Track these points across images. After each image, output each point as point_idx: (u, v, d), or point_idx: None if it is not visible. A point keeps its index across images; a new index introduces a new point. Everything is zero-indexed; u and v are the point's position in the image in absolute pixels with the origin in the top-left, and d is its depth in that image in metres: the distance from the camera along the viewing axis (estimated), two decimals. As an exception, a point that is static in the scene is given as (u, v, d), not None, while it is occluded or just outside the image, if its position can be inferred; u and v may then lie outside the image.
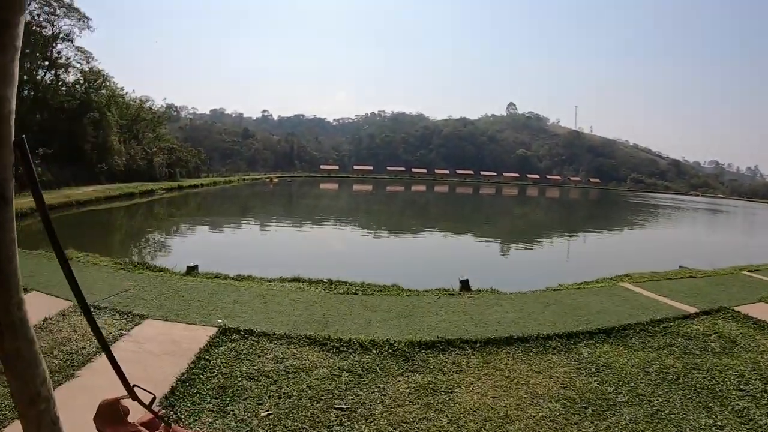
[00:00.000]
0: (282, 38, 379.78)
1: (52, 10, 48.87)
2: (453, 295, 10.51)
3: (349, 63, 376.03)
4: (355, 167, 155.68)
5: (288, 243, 25.50)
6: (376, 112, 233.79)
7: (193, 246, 23.24)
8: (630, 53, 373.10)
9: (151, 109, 70.97)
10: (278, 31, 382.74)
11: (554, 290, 11.24)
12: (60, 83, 52.82)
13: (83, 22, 51.20)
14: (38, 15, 48.16)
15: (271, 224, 33.15)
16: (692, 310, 9.62)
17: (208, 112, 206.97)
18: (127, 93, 65.94)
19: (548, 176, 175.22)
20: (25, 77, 48.36)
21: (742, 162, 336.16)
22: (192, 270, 11.71)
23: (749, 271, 14.36)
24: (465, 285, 11.27)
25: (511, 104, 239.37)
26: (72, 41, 51.55)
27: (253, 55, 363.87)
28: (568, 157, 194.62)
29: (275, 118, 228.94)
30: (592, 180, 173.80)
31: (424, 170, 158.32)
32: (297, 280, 11.30)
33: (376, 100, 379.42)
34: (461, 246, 28.07)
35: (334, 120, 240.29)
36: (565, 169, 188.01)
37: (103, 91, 56.29)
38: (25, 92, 49.48)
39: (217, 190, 64.99)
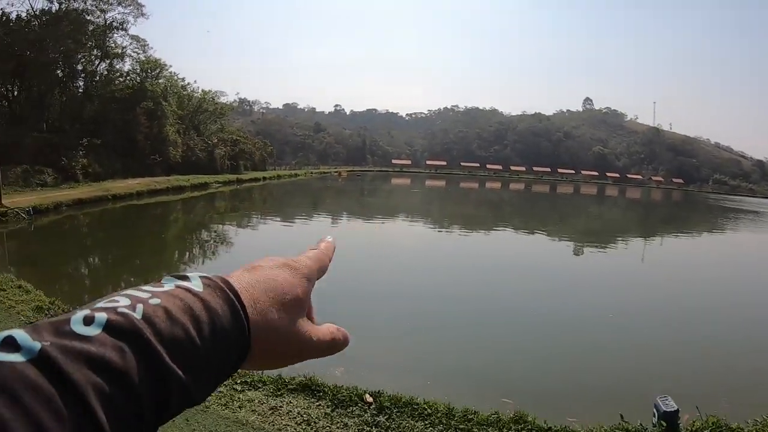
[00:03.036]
0: (355, 33, 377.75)
1: None
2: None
3: (422, 57, 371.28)
4: (428, 162, 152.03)
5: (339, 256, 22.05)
6: (449, 107, 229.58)
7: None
8: (710, 47, 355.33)
9: (213, 100, 69.03)
10: (352, 25, 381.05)
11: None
12: (116, 73, 51.71)
13: (137, 9, 49.68)
14: (91, 4, 46.78)
15: (323, 222, 30.85)
16: None
17: (281, 107, 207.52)
18: (189, 84, 64.39)
19: (628, 175, 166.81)
20: (79, 67, 47.06)
21: None
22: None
23: None
24: (670, 422, 6.26)
25: (587, 99, 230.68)
26: (126, 30, 50.16)
27: (326, 49, 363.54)
28: (646, 155, 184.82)
29: (347, 112, 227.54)
30: (674, 180, 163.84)
31: (500, 166, 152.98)
32: (307, 388, 6.83)
33: (448, 95, 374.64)
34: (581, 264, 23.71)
35: (407, 114, 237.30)
36: (643, 168, 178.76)
37: (161, 81, 54.64)
38: (80, 83, 48.42)
39: (280, 184, 63.33)
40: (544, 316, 12.91)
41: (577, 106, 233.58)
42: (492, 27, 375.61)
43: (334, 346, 0.63)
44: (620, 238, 32.40)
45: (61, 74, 45.82)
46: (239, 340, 0.50)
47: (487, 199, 64.62)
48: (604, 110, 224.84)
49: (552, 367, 9.83)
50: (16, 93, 43.63)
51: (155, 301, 0.42)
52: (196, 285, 0.49)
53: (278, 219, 31.61)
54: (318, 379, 6.78)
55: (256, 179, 61.70)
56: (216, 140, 62.78)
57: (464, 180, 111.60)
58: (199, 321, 0.45)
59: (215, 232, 26.23)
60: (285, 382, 6.70)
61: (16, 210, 23.31)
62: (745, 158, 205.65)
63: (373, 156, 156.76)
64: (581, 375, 9.58)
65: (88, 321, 0.36)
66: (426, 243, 25.16)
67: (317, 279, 0.63)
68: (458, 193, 71.60)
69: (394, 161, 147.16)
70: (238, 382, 6.53)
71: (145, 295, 0.43)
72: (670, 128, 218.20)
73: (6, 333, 0.33)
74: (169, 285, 0.47)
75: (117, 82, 50.89)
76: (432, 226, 32.69)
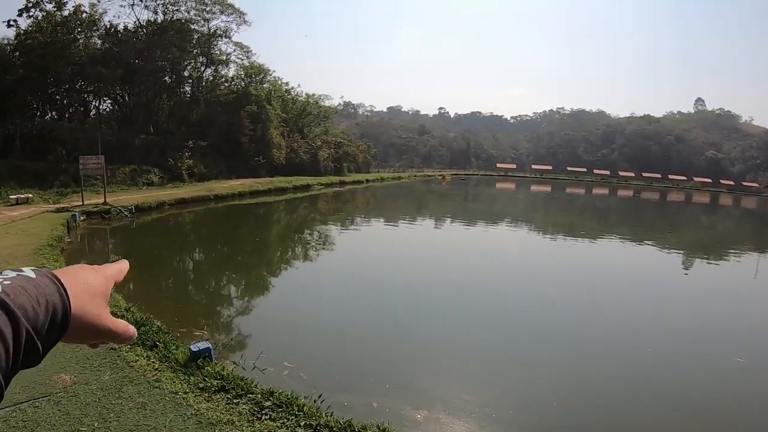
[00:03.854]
0: (458, 34, 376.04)
1: (207, 8, 48.60)
2: None
3: (527, 58, 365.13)
4: (533, 166, 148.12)
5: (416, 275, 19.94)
6: (555, 109, 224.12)
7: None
8: None
9: (317, 103, 69.94)
10: (454, 26, 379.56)
11: None
12: (221, 78, 53.19)
13: (239, 17, 50.74)
14: (195, 14, 48.30)
15: (426, 224, 30.51)
16: None
17: (385, 110, 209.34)
18: (293, 88, 65.66)
19: (743, 183, 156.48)
20: (186, 73, 48.49)
21: None
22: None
23: None
24: None
25: (698, 100, 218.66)
26: (230, 37, 51.54)
27: (429, 52, 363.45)
28: (763, 160, 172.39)
29: (451, 115, 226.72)
30: None
31: (607, 172, 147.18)
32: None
33: (553, 97, 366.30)
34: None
35: (512, 117, 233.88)
36: (759, 174, 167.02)
37: (265, 85, 55.72)
38: (186, 88, 49.91)
39: (383, 187, 62.76)
40: (658, 361, 10.62)
41: (688, 107, 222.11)
42: (597, 24, 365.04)
43: (125, 336, 0.77)
44: (739, 255, 29.70)
45: (168, 80, 47.28)
46: (63, 318, 0.61)
47: (594, 206, 62.00)
48: (717, 111, 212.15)
49: None
50: (126, 98, 45.26)
51: (7, 282, 0.52)
52: (30, 274, 0.58)
53: (381, 221, 31.32)
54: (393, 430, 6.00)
55: (359, 181, 61.52)
56: (320, 142, 63.17)
57: (570, 185, 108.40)
58: (38, 298, 0.56)
59: (317, 231, 25.88)
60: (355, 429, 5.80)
61: (120, 208, 23.72)
62: None
63: (477, 159, 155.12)
64: None
65: None
66: (526, 252, 24.36)
67: (115, 284, 0.79)
68: (564, 199, 68.89)
69: (498, 165, 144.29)
70: (302, 424, 5.75)
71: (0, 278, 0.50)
72: None
73: None
74: (11, 274, 0.55)
75: (222, 87, 52.29)
76: (536, 232, 31.95)
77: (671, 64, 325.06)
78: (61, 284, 0.63)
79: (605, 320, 12.97)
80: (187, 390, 6.20)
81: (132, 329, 0.78)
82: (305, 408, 6.07)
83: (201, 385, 6.35)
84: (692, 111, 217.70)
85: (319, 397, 6.60)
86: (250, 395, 6.20)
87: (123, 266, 0.88)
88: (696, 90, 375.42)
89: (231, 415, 5.75)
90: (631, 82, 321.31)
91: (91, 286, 0.71)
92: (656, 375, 9.57)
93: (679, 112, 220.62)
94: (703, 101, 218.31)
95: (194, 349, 6.98)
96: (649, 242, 30.34)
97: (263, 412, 5.88)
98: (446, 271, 17.14)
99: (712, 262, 26.12)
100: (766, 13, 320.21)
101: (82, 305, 0.67)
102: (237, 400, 6.09)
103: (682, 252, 27.86)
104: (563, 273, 18.82)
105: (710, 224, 50.59)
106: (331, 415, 6.09)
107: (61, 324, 0.61)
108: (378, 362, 9.00)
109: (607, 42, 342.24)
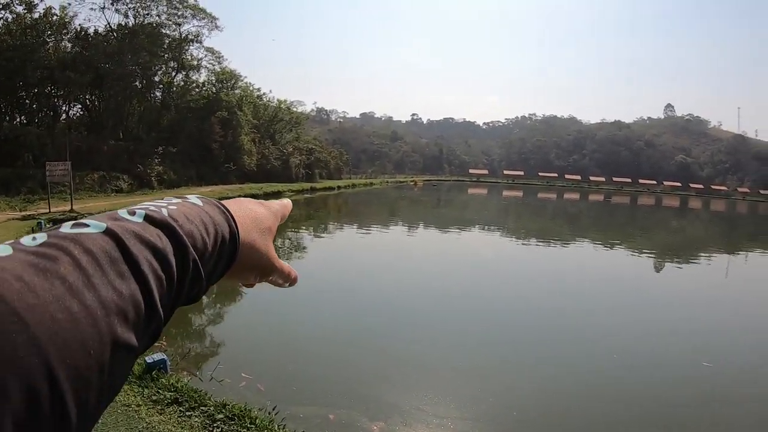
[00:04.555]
0: (432, 42, 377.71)
1: (179, 12, 48.43)
2: None
3: (499, 66, 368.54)
4: (505, 172, 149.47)
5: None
6: (527, 116, 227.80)
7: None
8: None
9: (289, 109, 70.13)
10: (428, 34, 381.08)
11: None
12: (192, 84, 52.96)
13: (211, 22, 50.54)
14: (166, 18, 48.08)
15: (398, 230, 30.30)
16: None
17: (357, 116, 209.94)
18: (264, 94, 65.66)
19: (712, 186, 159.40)
20: (156, 78, 48.13)
21: None
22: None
23: None
24: None
25: (668, 106, 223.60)
26: (201, 42, 51.25)
27: (403, 59, 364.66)
28: (732, 164, 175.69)
29: (424, 121, 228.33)
30: (762, 192, 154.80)
31: (578, 177, 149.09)
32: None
33: (526, 104, 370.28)
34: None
35: (484, 123, 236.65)
36: (727, 178, 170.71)
37: (236, 91, 55.82)
38: (157, 93, 49.56)
39: (355, 193, 62.98)
40: (630, 359, 10.95)
41: (657, 113, 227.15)
42: (569, 33, 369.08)
43: (288, 278, 0.74)
44: (710, 257, 30.58)
45: (139, 85, 46.90)
46: (230, 249, 0.57)
47: (566, 211, 62.85)
48: (686, 117, 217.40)
49: None
50: (96, 103, 44.83)
51: (173, 207, 0.48)
52: (197, 201, 0.55)
53: (351, 227, 31.30)
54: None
55: (330, 188, 61.64)
56: (291, 149, 63.14)
57: (542, 190, 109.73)
58: (206, 225, 0.52)
59: (286, 239, 25.86)
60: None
61: (85, 215, 23.34)
62: None
63: (449, 165, 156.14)
64: None
65: (131, 213, 0.44)
66: (496, 258, 24.37)
67: (280, 222, 0.75)
68: (536, 204, 69.97)
69: (471, 171, 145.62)
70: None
71: (163, 203, 0.49)
72: (756, 135, 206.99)
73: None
74: (175, 200, 0.52)
75: (193, 92, 52.15)
76: (508, 237, 32.19)
77: (642, 71, 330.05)
78: (231, 214, 0.60)
79: (572, 326, 13.10)
80: (140, 403, 6.13)
81: (294, 272, 0.75)
82: (258, 421, 6.05)
83: (154, 398, 6.28)
84: (662, 117, 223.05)
85: (274, 409, 6.60)
86: (203, 408, 6.15)
87: (287, 203, 0.84)
88: (666, 96, 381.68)
89: (183, 428, 5.73)
90: (603, 88, 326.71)
91: (260, 219, 0.68)
92: (622, 382, 9.65)
93: (649, 117, 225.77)
94: (673, 107, 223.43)
95: (149, 361, 6.94)
96: (620, 246, 31.06)
97: (215, 425, 5.87)
98: (412, 279, 17.25)
99: (682, 264, 26.69)
100: (734, 21, 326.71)
101: (252, 238, 0.64)
102: (190, 413, 6.04)
103: (653, 255, 28.43)
104: (532, 279, 18.96)
105: (680, 227, 51.90)
106: (284, 428, 6.15)
107: (230, 256, 0.59)
108: (338, 373, 8.86)
109: (580, 49, 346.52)
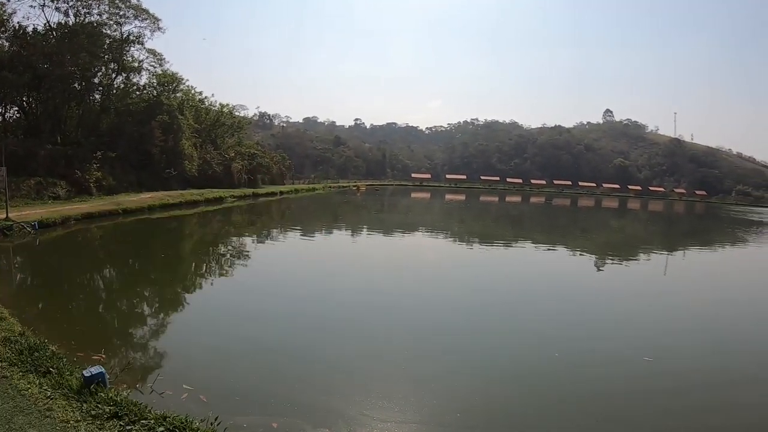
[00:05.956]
0: (375, 47, 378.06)
1: (121, 12, 47.18)
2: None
3: (442, 72, 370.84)
4: (448, 176, 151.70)
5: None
6: (469, 121, 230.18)
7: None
8: (731, 56, 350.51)
9: (231, 113, 69.30)
10: (371, 40, 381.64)
11: None
12: (133, 86, 51.82)
13: (153, 23, 49.26)
14: (108, 18, 46.81)
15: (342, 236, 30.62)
16: None
17: (301, 121, 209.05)
18: (206, 97, 64.90)
19: (650, 188, 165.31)
20: (96, 80, 47.13)
21: None
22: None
23: None
24: None
25: (607, 111, 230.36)
26: (143, 44, 49.92)
27: (347, 64, 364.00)
28: (668, 167, 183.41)
29: (367, 126, 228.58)
30: (697, 192, 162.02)
31: (520, 180, 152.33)
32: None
33: (469, 109, 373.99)
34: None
35: (427, 128, 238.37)
36: (665, 180, 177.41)
37: (178, 95, 55.01)
38: (96, 96, 48.45)
39: (297, 199, 62.60)
40: (574, 357, 11.28)
41: (597, 118, 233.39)
42: (511, 40, 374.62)
43: None
44: (648, 255, 31.82)
45: (78, 87, 45.58)
46: None
47: (508, 213, 64.18)
48: (624, 122, 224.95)
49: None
50: (33, 105, 43.39)
51: None
52: None
53: (294, 233, 30.93)
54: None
55: (273, 193, 61.26)
56: (233, 154, 62.64)
57: (484, 194, 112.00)
58: None
59: (228, 246, 25.63)
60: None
61: (22, 224, 22.84)
62: None
63: (392, 170, 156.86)
64: None
65: None
66: (444, 259, 24.74)
67: None
68: (478, 207, 71.28)
69: (413, 175, 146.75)
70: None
71: None
72: (692, 139, 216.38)
73: None
74: None
75: (133, 95, 51.09)
76: (452, 240, 32.60)
77: (581, 77, 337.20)
78: None
79: (516, 326, 13.41)
80: (79, 418, 5.98)
81: None
82: (199, 432, 6.02)
83: (94, 413, 6.12)
84: (601, 122, 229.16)
85: (216, 420, 6.48)
86: (143, 421, 6.04)
87: None
88: (606, 102, 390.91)
89: (123, 442, 5.66)
90: (543, 94, 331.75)
91: None
92: (563, 381, 9.85)
93: (588, 122, 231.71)
94: (612, 113, 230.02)
95: (87, 375, 6.77)
96: (562, 246, 32.04)
97: (156, 438, 5.80)
98: (356, 285, 17.26)
99: (622, 262, 27.72)
100: (670, 31, 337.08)
101: None
102: (130, 427, 5.91)
103: (593, 254, 29.36)
104: (475, 283, 18.97)
105: (620, 227, 54.00)
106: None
107: None
108: (281, 382, 8.77)
109: (522, 57, 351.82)
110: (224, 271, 19.36)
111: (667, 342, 12.77)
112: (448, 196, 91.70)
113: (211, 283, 17.34)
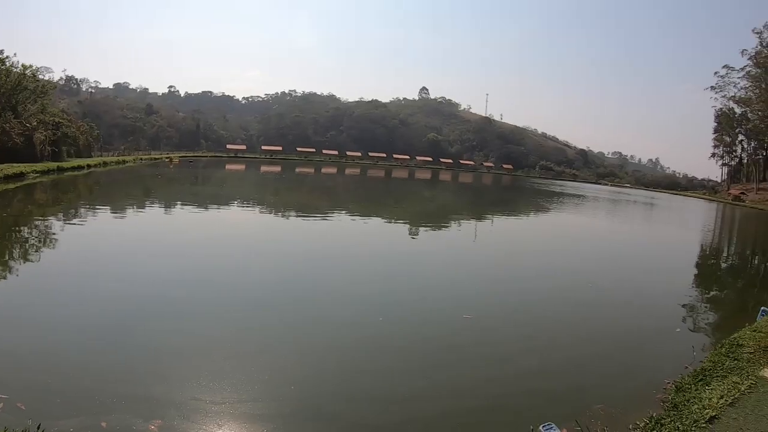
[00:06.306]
0: (192, 10, 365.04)
1: None
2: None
3: (262, 41, 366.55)
4: (264, 147, 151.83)
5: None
6: (287, 92, 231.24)
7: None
8: (539, 43, 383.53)
9: (35, 76, 63.74)
10: (188, 3, 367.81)
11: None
12: None
13: None
14: None
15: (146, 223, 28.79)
16: None
17: (111, 86, 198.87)
18: (7, 57, 59.17)
19: (461, 161, 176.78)
20: None
21: (644, 154, 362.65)
22: None
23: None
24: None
25: (423, 89, 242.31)
26: None
27: (163, 27, 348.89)
28: (478, 142, 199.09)
29: (182, 94, 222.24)
30: (504, 166, 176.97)
31: (336, 152, 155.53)
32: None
33: (288, 80, 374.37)
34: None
35: (243, 98, 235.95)
36: (474, 154, 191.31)
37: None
38: None
39: (106, 172, 60.12)
40: (390, 316, 12.30)
41: (413, 95, 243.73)
42: (332, 12, 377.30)
43: None
44: (460, 223, 35.04)
45: None
46: None
47: (324, 185, 66.43)
48: (439, 99, 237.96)
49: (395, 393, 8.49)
50: None
51: None
52: None
53: (104, 211, 28.73)
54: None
55: (80, 167, 58.65)
56: (36, 123, 58.08)
57: (300, 165, 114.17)
58: None
59: (35, 228, 22.73)
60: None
61: None
62: (569, 147, 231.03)
63: (207, 141, 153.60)
64: (437, 402, 8.30)
65: None
66: (261, 232, 24.91)
67: None
68: (294, 179, 72.60)
69: (228, 146, 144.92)
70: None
71: None
72: (501, 118, 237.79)
73: None
74: None
75: None
76: (268, 213, 33.00)
77: (403, 58, 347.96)
78: None
79: (337, 295, 13.79)
80: None
81: None
82: (20, 443, 5.60)
83: None
84: (417, 98, 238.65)
85: (39, 428, 6.07)
86: None
87: None
88: (423, 80, 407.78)
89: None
90: (364, 70, 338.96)
91: None
92: (388, 341, 10.57)
93: (405, 98, 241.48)
94: (428, 90, 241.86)
95: None
96: (378, 216, 33.93)
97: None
98: (171, 264, 16.38)
99: (436, 229, 30.20)
100: (484, 17, 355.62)
101: None
102: None
103: (407, 223, 31.81)
104: (297, 252, 19.35)
105: (432, 197, 58.37)
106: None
107: None
108: (105, 378, 8.04)
109: (343, 31, 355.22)
110: (24, 259, 16.63)
111: (483, 301, 14.44)
112: (263, 168, 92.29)
113: (16, 273, 14.80)
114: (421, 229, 29.78)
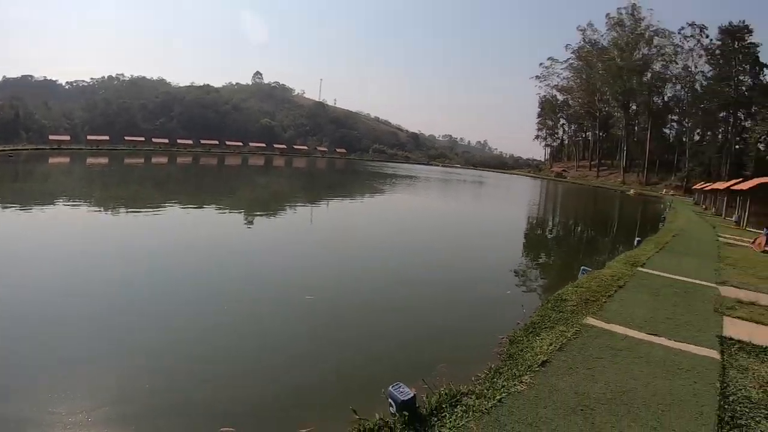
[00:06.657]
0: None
1: None
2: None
3: (90, 18, 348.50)
4: (89, 137, 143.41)
5: None
6: (114, 76, 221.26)
7: None
8: (374, 33, 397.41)
9: None
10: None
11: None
12: None
13: None
14: None
15: None
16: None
17: None
18: None
19: (295, 146, 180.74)
20: None
21: (473, 137, 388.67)
22: None
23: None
24: (410, 409, 6.21)
25: (257, 73, 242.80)
26: None
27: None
28: (312, 127, 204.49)
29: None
30: (338, 150, 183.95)
31: (166, 140, 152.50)
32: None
33: (116, 63, 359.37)
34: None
35: (67, 83, 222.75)
36: (309, 139, 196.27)
37: None
38: None
39: None
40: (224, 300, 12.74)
41: (247, 80, 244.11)
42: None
43: None
44: (295, 207, 36.59)
45: None
46: None
47: (154, 176, 65.55)
48: (272, 84, 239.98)
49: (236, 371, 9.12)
50: None
51: None
52: None
53: None
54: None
55: None
56: None
57: (129, 155, 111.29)
58: None
59: None
60: None
61: None
62: (402, 131, 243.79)
63: (28, 132, 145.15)
64: (287, 375, 9.09)
65: None
66: (91, 230, 22.92)
67: None
68: (122, 171, 70.41)
69: (51, 137, 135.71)
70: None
71: None
72: (335, 103, 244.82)
73: None
74: None
75: None
76: (96, 209, 30.40)
77: (235, 40, 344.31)
78: None
79: (173, 287, 13.82)
80: None
81: None
82: None
83: None
84: (250, 83, 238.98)
85: None
86: None
87: None
88: (258, 65, 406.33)
89: None
90: (196, 53, 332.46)
91: None
92: (240, 326, 11.02)
93: (238, 83, 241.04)
94: (261, 75, 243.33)
95: None
96: (211, 206, 33.62)
97: None
98: None
99: (273, 216, 30.85)
100: (312, 3, 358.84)
101: None
102: None
103: (243, 211, 31.87)
104: (130, 252, 18.13)
105: (267, 184, 60.24)
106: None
107: None
108: None
109: (173, 11, 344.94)
110: None
111: (324, 282, 15.13)
112: (89, 160, 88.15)
113: None
114: (257, 216, 30.39)
